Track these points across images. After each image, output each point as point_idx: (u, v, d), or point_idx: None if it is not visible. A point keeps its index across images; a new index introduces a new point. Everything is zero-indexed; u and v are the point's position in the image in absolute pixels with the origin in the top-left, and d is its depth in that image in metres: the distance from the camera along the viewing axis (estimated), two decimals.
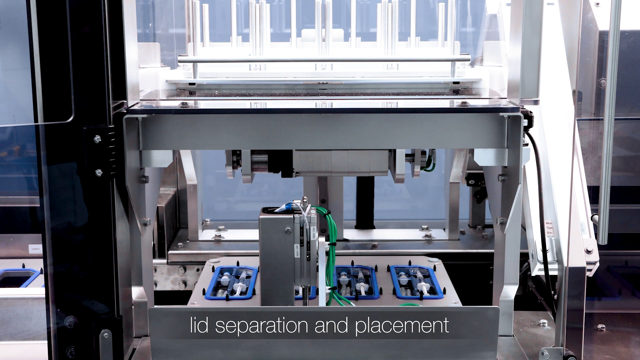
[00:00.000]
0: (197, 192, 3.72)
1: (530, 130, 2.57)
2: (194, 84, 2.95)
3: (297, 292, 2.74)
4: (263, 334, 2.47)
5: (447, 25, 3.07)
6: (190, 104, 2.66)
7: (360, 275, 3.27)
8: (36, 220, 3.92)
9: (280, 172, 3.04)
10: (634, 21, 3.03)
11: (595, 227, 2.43)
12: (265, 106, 2.66)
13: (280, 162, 3.01)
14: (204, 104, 2.73)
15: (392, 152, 3.04)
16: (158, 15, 3.85)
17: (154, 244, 3.56)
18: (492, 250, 2.84)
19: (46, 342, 2.49)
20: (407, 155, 3.07)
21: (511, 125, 2.62)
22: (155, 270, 3.59)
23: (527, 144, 2.59)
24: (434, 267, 3.36)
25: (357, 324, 2.47)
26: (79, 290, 2.46)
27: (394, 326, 2.47)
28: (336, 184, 3.72)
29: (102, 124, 2.38)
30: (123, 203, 2.54)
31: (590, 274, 2.56)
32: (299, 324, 2.47)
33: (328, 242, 2.74)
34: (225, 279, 3.17)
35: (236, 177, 3.13)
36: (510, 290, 2.72)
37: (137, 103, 2.60)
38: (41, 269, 3.57)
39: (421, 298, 3.01)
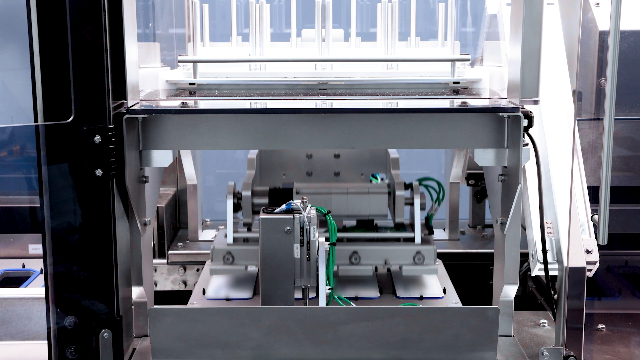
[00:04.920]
0: (197, 192, 3.72)
1: (530, 130, 2.57)
2: (194, 84, 2.95)
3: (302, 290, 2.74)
4: (263, 334, 2.47)
5: (447, 25, 3.07)
6: (190, 104, 2.66)
7: None
8: (36, 220, 3.92)
9: None
10: (634, 21, 3.03)
11: (595, 227, 2.43)
12: (265, 106, 2.66)
13: (280, 204, 3.01)
14: (204, 104, 2.73)
15: (392, 196, 3.05)
16: (158, 15, 3.85)
17: (154, 244, 3.56)
18: (492, 250, 2.84)
19: (46, 342, 2.49)
20: (406, 198, 3.10)
21: (511, 125, 2.62)
22: (155, 270, 3.59)
23: (527, 144, 2.59)
24: None
25: (357, 324, 2.47)
26: (79, 290, 2.46)
27: (394, 326, 2.47)
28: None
29: (102, 124, 2.38)
30: (123, 203, 2.54)
31: (590, 274, 2.56)
32: (299, 324, 2.47)
33: (328, 242, 2.74)
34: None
35: (236, 178, 3.14)
36: (510, 290, 2.72)
37: (137, 103, 2.60)
38: (41, 269, 3.57)
39: (421, 298, 3.01)
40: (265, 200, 3.09)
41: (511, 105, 2.58)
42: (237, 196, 3.13)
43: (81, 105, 2.36)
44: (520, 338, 2.77)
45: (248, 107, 2.65)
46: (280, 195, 3.06)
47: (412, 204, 3.12)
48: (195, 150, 3.63)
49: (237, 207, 3.13)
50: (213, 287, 3.12)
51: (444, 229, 3.85)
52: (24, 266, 3.73)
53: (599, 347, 2.78)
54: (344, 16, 4.60)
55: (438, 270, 3.31)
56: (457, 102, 2.68)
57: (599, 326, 2.91)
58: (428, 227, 3.25)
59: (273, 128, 2.65)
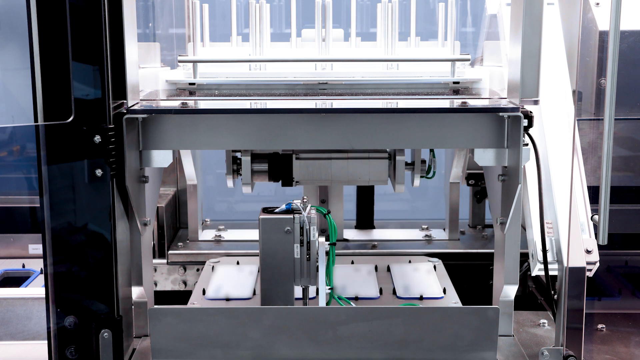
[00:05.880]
0: (197, 192, 3.72)
1: (530, 130, 2.57)
2: (194, 84, 2.95)
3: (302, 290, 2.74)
4: (263, 334, 2.47)
5: (447, 25, 3.07)
6: (190, 104, 2.66)
7: None
8: (36, 220, 3.92)
9: (280, 181, 3.04)
10: (634, 21, 3.03)
11: (595, 227, 2.43)
12: (265, 106, 2.66)
13: (280, 171, 3.01)
14: (204, 104, 2.73)
15: (392, 161, 3.04)
16: (158, 15, 3.85)
17: (154, 244, 3.56)
18: (492, 250, 2.84)
19: (46, 342, 2.49)
20: (406, 163, 3.07)
21: (511, 125, 2.62)
22: (155, 270, 3.59)
23: (527, 144, 2.59)
24: (434, 267, 3.36)
25: (357, 324, 2.47)
26: (79, 290, 2.46)
27: (394, 326, 2.47)
28: (336, 184, 3.72)
29: (102, 123, 2.38)
30: (123, 203, 2.54)
31: (590, 274, 2.56)
32: (299, 324, 2.47)
33: (328, 242, 2.74)
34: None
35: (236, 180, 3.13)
36: (510, 290, 2.72)
37: (137, 103, 2.60)
38: (41, 269, 3.57)
39: (421, 298, 3.01)
40: (265, 167, 3.03)
41: (511, 105, 2.58)
42: (236, 162, 3.08)
43: (81, 105, 2.36)
44: (520, 338, 2.77)
45: (248, 107, 2.65)
46: (279, 161, 3.04)
47: (412, 170, 3.10)
48: (195, 150, 3.63)
49: (236, 173, 3.09)
50: (213, 287, 3.12)
51: (444, 229, 3.85)
52: (24, 266, 3.73)
53: (599, 347, 2.78)
54: (344, 16, 4.60)
55: (438, 270, 3.32)
56: (457, 102, 2.68)
57: (599, 326, 2.91)
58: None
59: (273, 128, 2.65)
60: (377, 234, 3.86)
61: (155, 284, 3.58)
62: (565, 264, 2.54)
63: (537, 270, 2.67)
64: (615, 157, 2.58)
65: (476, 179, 3.82)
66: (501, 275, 2.72)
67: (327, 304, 2.76)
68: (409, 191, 5.27)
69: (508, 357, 2.64)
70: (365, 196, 3.95)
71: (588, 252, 2.57)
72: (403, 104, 2.72)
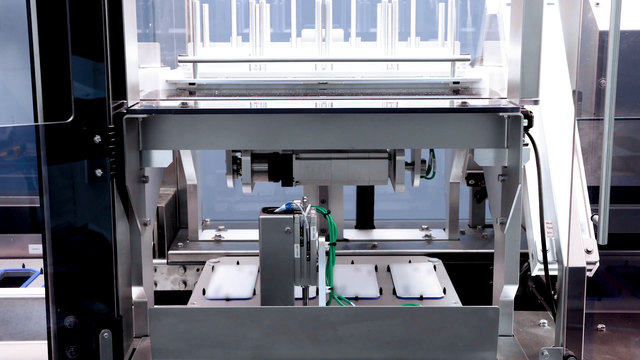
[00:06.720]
0: (197, 192, 3.72)
1: (530, 130, 2.57)
2: (194, 84, 2.95)
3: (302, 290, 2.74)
4: (263, 334, 2.47)
5: (447, 25, 3.07)
6: (190, 104, 2.66)
7: None
8: (36, 220, 3.92)
9: (280, 181, 3.04)
10: (634, 21, 3.03)
11: (595, 227, 2.43)
12: (265, 106, 2.66)
13: (280, 171, 3.01)
14: (204, 104, 2.73)
15: (392, 161, 3.04)
16: (158, 15, 3.85)
17: (154, 244, 3.56)
18: (492, 250, 2.84)
19: (46, 342, 2.49)
20: (406, 163, 3.08)
21: (511, 125, 2.62)
22: (155, 270, 3.59)
23: (527, 144, 2.59)
24: (434, 267, 3.36)
25: (357, 324, 2.47)
26: (79, 290, 2.46)
27: (394, 326, 2.47)
28: (336, 184, 3.72)
29: (102, 123, 2.38)
30: (123, 203, 2.54)
31: (590, 274, 2.56)
32: (299, 324, 2.47)
33: (328, 242, 2.74)
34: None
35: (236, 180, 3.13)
36: (510, 290, 2.72)
37: (137, 103, 2.60)
38: (41, 269, 3.57)
39: (421, 298, 3.01)
40: (265, 167, 3.04)
41: (511, 105, 2.58)
42: (236, 162, 3.07)
43: (81, 105, 2.36)
44: (520, 338, 2.77)
45: (248, 107, 2.65)
46: (279, 161, 3.04)
47: (412, 170, 3.10)
48: (195, 150, 3.63)
49: (236, 173, 3.09)
50: (213, 287, 3.12)
51: (444, 229, 3.85)
52: (24, 266, 3.73)
53: (599, 347, 2.78)
54: (344, 16, 4.60)
55: (438, 270, 3.32)
56: (457, 102, 2.68)
57: (599, 326, 2.91)
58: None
59: (273, 128, 2.65)
60: (377, 234, 3.86)
61: (155, 284, 3.58)
62: (565, 264, 2.54)
63: (537, 270, 2.67)
64: (615, 157, 2.58)
65: (476, 179, 3.82)
66: (501, 275, 2.72)
67: (327, 304, 2.76)
68: (409, 191, 5.27)
69: (508, 357, 2.64)
70: (365, 196, 3.95)
71: (588, 252, 2.57)
72: (403, 104, 2.72)
